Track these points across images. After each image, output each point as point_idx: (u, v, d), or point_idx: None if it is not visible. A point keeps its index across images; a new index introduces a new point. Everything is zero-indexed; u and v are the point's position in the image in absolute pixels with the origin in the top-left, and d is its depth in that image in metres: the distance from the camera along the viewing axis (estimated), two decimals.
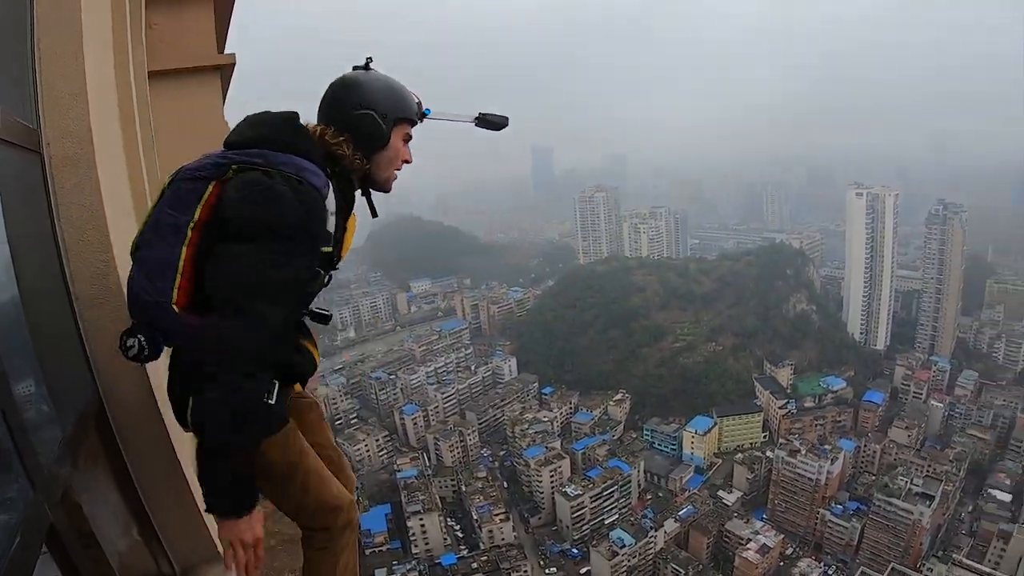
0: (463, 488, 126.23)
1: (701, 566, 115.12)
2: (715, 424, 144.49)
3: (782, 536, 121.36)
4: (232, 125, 3.10)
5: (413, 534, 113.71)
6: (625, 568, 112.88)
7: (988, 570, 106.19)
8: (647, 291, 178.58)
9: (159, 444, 3.40)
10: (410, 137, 3.03)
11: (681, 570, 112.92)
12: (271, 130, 2.74)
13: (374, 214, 3.27)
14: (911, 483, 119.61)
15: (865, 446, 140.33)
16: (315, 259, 2.71)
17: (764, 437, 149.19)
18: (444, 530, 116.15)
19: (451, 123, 3.21)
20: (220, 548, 4.10)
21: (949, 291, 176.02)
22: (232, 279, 2.42)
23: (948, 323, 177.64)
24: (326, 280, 3.11)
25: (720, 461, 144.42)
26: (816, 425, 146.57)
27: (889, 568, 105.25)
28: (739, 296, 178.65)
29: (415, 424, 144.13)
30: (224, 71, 8.43)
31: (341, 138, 2.85)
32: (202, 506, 2.48)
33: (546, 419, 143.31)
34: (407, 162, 3.06)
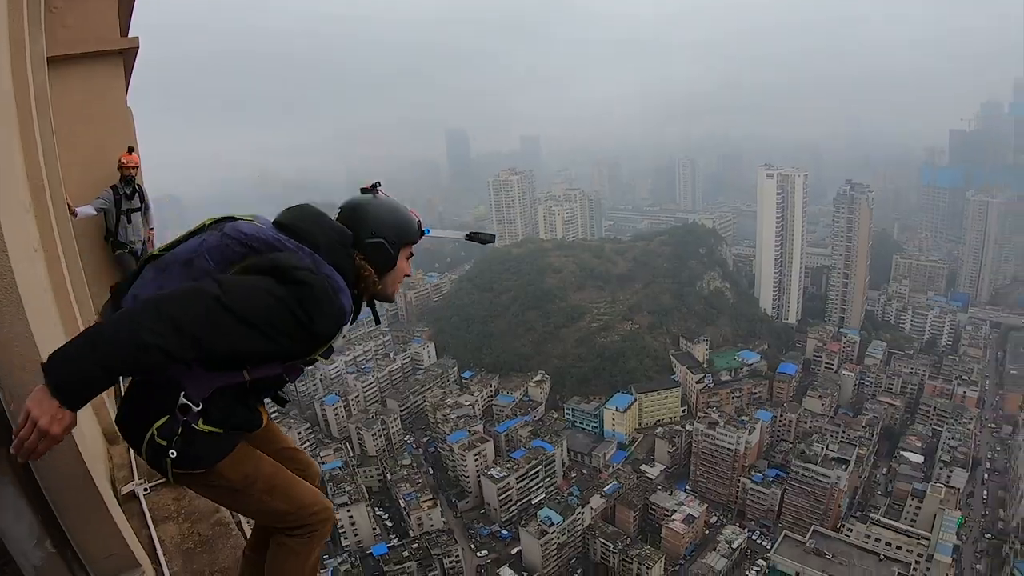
0: (389, 476, 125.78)
1: (629, 539, 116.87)
2: (635, 401, 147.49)
3: (706, 505, 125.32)
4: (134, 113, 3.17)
5: (342, 527, 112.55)
6: (555, 546, 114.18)
7: (904, 527, 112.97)
8: (563, 272, 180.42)
9: (68, 455, 3.36)
10: (412, 255, 3.40)
11: (610, 544, 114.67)
12: (329, 241, 2.97)
13: (377, 322, 3.89)
14: (827, 449, 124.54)
15: (781, 416, 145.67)
16: (302, 354, 2.93)
17: (683, 411, 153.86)
18: (373, 520, 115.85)
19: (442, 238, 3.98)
20: (137, 555, 4.11)
21: (857, 267, 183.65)
22: (240, 283, 2.62)
23: (857, 297, 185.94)
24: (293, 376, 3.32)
25: (641, 436, 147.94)
26: (733, 397, 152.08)
27: (811, 530, 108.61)
28: (654, 275, 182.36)
29: (336, 414, 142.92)
30: (128, 55, 8.09)
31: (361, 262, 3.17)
32: (68, 419, 2.29)
33: (467, 403, 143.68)
34: (407, 276, 3.41)
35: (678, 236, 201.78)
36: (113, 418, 3.89)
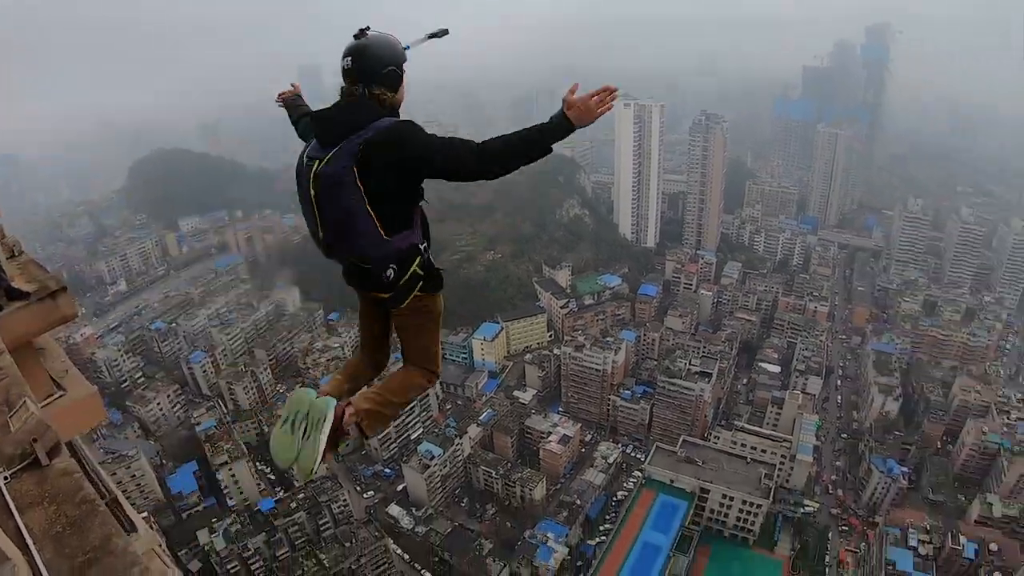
0: (265, 429, 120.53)
1: (509, 464, 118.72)
2: (502, 329, 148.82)
3: (579, 425, 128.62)
4: None
5: (226, 487, 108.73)
6: (439, 478, 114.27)
7: (767, 432, 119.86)
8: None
9: None
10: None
11: (491, 471, 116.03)
12: (355, 116, 4.75)
13: None
14: (690, 364, 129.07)
15: (644, 335, 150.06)
16: None
17: (550, 336, 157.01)
18: (256, 475, 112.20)
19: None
20: (5, 548, 3.96)
21: (712, 192, 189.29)
22: (438, 152, 4.70)
23: (712, 221, 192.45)
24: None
25: (511, 363, 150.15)
26: (597, 320, 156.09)
27: (680, 440, 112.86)
28: (514, 205, 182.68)
29: (204, 371, 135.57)
30: None
31: (380, 92, 4.85)
32: None
33: (336, 345, 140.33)
34: None
35: (537, 165, 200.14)
36: None
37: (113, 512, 5.04)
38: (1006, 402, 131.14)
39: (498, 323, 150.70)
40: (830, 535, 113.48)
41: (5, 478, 4.55)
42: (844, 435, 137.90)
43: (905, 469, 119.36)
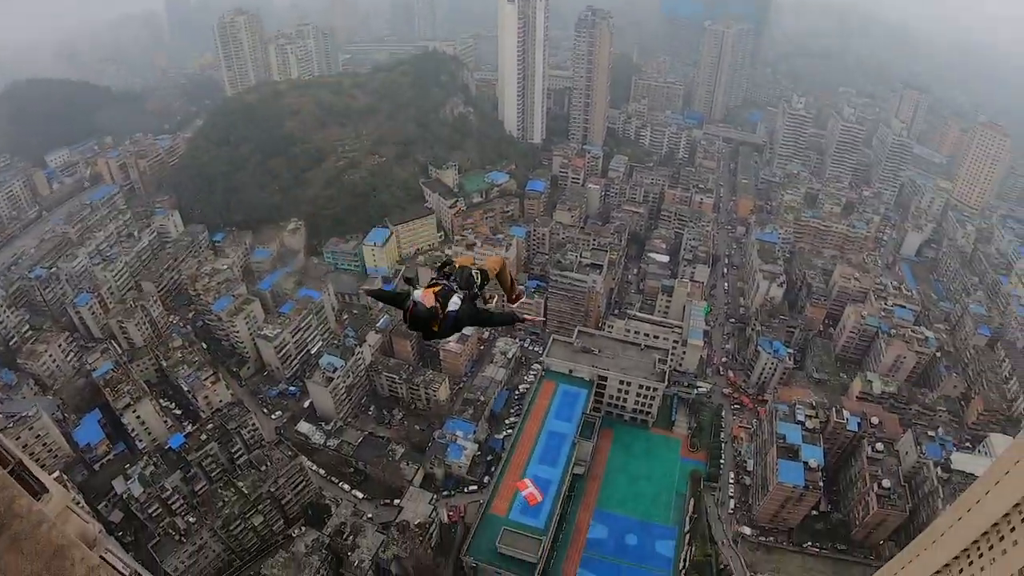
0: (164, 364, 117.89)
1: (411, 367, 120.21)
2: (392, 234, 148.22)
3: None
4: None
5: (133, 429, 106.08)
6: (343, 389, 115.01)
7: (659, 319, 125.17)
8: (302, 114, 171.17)
9: None
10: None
11: (394, 376, 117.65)
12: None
13: None
14: (580, 257, 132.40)
15: (535, 230, 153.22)
16: None
17: (440, 237, 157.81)
18: (161, 412, 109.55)
19: None
20: None
21: (598, 88, 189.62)
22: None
23: (598, 116, 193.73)
24: None
25: (404, 267, 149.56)
26: (487, 218, 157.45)
27: (576, 332, 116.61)
28: (396, 106, 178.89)
29: (93, 313, 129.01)
30: None
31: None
32: None
33: (225, 267, 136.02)
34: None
35: (419, 65, 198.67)
36: None
37: (21, 477, 5.85)
38: (883, 289, 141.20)
39: (387, 228, 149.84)
40: (723, 413, 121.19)
41: None
42: (732, 320, 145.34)
43: (790, 350, 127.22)
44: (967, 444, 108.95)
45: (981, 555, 54.08)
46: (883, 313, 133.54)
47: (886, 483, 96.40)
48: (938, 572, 59.36)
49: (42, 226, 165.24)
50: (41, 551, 4.47)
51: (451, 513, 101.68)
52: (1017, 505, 49.25)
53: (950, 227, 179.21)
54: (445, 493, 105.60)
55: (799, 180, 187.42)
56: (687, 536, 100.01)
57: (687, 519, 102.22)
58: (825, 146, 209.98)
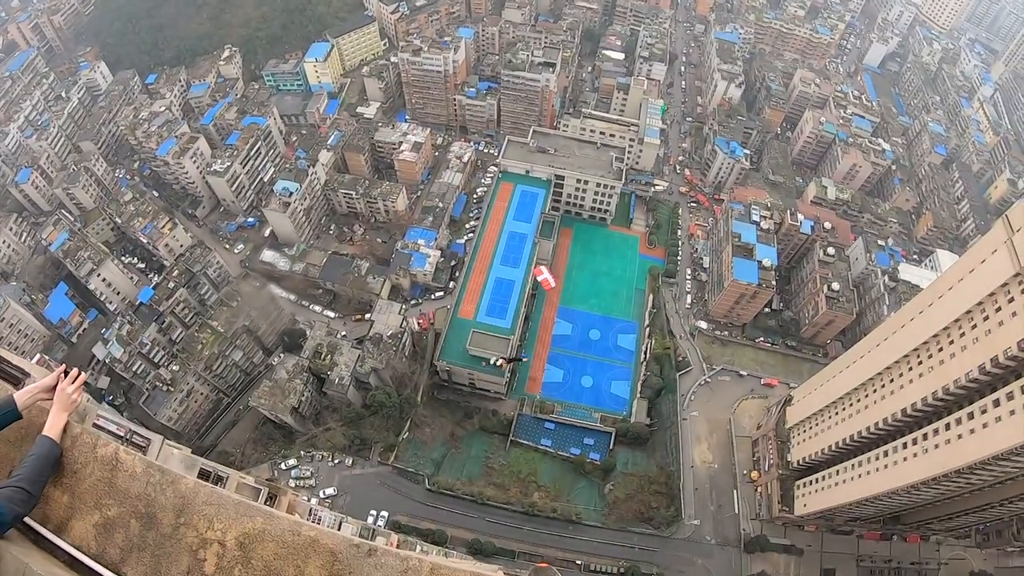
0: (119, 221, 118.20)
1: (367, 181, 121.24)
2: (333, 47, 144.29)
3: (428, 130, 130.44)
4: None
5: (101, 294, 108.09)
6: (301, 212, 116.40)
7: (615, 117, 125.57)
8: None
9: None
10: None
11: (351, 192, 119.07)
12: None
13: None
14: (532, 56, 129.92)
15: (483, 31, 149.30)
16: None
17: (384, 45, 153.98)
18: (125, 271, 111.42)
19: None
20: None
21: None
22: None
23: None
24: None
25: (349, 80, 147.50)
26: (431, 21, 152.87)
27: (531, 132, 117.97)
28: None
29: (37, 187, 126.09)
30: None
31: None
32: None
33: (163, 108, 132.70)
34: None
35: None
36: None
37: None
38: (843, 96, 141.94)
39: (328, 41, 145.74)
40: (680, 211, 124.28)
41: None
42: (690, 119, 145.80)
43: (747, 151, 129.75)
44: (914, 256, 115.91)
45: (920, 362, 59.26)
46: (841, 121, 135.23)
47: (835, 286, 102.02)
48: (879, 373, 65.77)
49: None
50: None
51: (420, 321, 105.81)
52: (958, 320, 53.27)
53: (916, 43, 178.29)
54: (413, 302, 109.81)
55: None
56: (647, 330, 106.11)
57: (647, 314, 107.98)
58: None
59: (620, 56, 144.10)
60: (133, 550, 4.52)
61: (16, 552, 4.56)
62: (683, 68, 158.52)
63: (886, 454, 63.16)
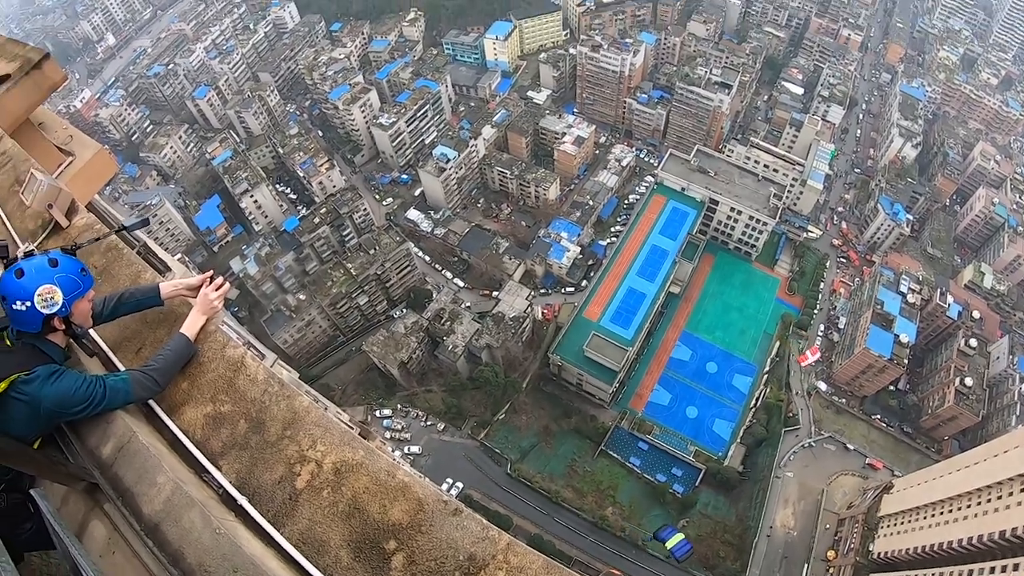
0: (281, 151, 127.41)
1: (524, 164, 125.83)
2: (514, 28, 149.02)
3: (594, 127, 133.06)
4: None
5: (250, 213, 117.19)
6: (455, 180, 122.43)
7: (782, 152, 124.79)
8: None
9: None
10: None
11: (506, 171, 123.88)
12: None
13: None
14: (710, 73, 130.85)
15: (665, 39, 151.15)
16: None
17: (566, 35, 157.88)
18: (277, 198, 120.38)
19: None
20: None
21: None
22: None
23: None
24: None
25: (525, 63, 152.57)
26: (616, 20, 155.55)
27: (695, 150, 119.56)
28: None
29: (211, 105, 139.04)
30: None
31: None
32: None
33: (342, 56, 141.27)
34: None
35: None
36: None
37: (146, 258, 6.53)
38: (1023, 180, 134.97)
39: (511, 21, 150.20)
40: (828, 264, 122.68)
41: (32, 251, 5.01)
42: (857, 170, 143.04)
43: (910, 217, 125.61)
44: None
45: None
46: (1015, 206, 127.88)
47: (968, 381, 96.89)
48: (990, 486, 62.37)
49: (158, 25, 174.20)
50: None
51: (545, 311, 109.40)
52: None
53: None
54: (542, 291, 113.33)
55: (959, 38, 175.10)
56: (764, 376, 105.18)
57: (768, 360, 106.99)
58: (995, 8, 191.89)
59: (799, 91, 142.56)
60: (235, 448, 4.87)
61: (128, 420, 5.09)
62: (861, 116, 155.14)
63: (971, 573, 60.59)
